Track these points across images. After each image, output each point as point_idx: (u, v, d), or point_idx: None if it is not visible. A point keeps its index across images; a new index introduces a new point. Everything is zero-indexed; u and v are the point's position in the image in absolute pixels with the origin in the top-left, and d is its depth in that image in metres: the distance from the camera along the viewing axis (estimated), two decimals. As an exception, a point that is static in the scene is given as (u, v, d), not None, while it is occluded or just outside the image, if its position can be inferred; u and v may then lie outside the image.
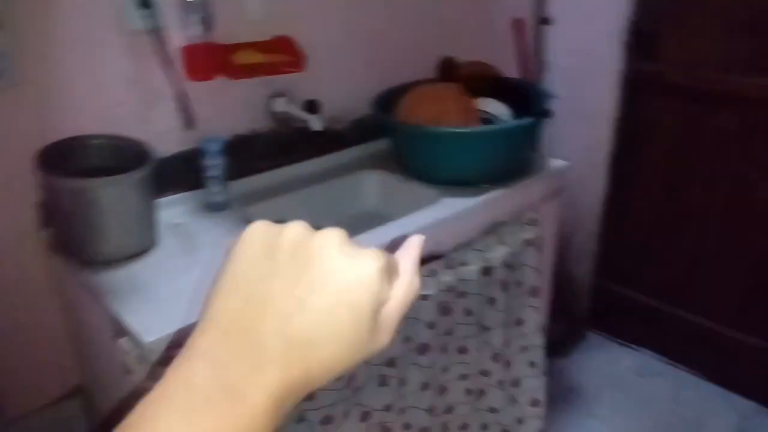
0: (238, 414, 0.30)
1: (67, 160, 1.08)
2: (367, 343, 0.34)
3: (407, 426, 1.39)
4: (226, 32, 1.26)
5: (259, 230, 0.36)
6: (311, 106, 1.40)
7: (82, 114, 1.14)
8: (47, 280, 1.19)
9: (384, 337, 0.35)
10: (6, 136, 1.07)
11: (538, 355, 1.59)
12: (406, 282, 0.37)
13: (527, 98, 1.53)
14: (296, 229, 0.36)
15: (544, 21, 1.91)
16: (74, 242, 1.08)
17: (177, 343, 0.92)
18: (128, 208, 1.06)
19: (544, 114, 1.42)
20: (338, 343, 0.33)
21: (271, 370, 0.31)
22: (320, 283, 0.33)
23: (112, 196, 1.03)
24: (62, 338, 1.25)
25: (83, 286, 1.09)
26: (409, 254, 0.39)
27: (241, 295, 0.33)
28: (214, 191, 1.30)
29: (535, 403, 1.63)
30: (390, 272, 0.36)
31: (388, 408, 1.31)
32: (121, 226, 1.07)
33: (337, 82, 1.54)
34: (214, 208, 1.31)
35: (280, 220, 0.38)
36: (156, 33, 1.15)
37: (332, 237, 0.35)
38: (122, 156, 1.12)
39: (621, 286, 2.22)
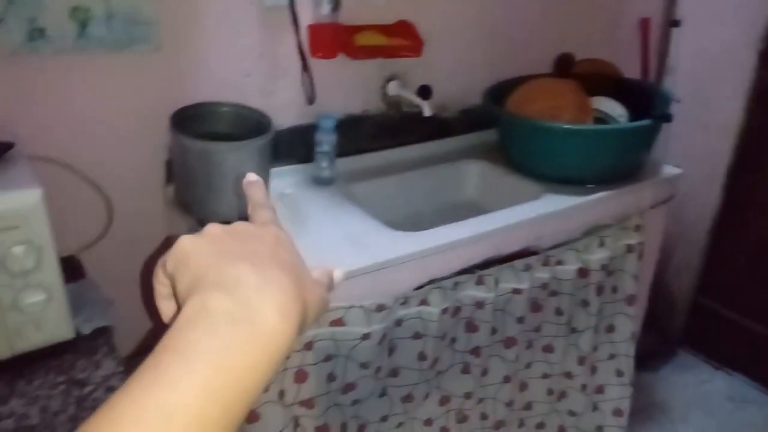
0: (258, 327, 0.34)
1: (196, 123, 1.16)
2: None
3: (484, 416, 1.40)
4: (351, 14, 1.30)
5: (188, 237, 0.40)
6: (424, 92, 1.42)
7: (213, 82, 1.22)
8: (166, 233, 1.29)
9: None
10: (145, 97, 1.16)
11: (627, 364, 1.54)
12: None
13: (646, 100, 1.48)
14: (215, 225, 0.42)
15: (673, 23, 1.83)
16: (194, 200, 1.16)
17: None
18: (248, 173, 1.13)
19: (664, 118, 1.37)
20: (301, 268, 0.40)
21: (271, 286, 0.36)
22: (255, 238, 0.41)
23: (234, 161, 1.10)
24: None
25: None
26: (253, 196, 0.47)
27: (208, 259, 0.38)
28: (323, 166, 1.35)
29: (617, 413, 1.59)
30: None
31: (467, 396, 1.33)
32: (238, 189, 1.14)
33: (450, 71, 1.55)
34: (321, 182, 1.36)
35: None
36: (290, 10, 1.20)
37: (239, 222, 0.43)
38: (245, 124, 1.19)
39: (721, 306, 2.11)
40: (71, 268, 1.06)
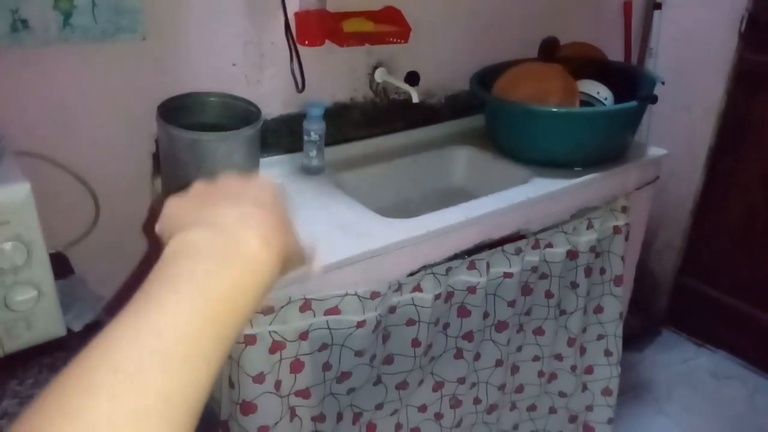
0: (241, 252, 0.36)
1: (183, 114, 1.14)
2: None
3: (477, 400, 1.41)
4: (338, 0, 1.29)
5: (174, 198, 0.43)
6: (412, 79, 1.41)
7: (200, 71, 1.20)
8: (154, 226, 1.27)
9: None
10: (132, 88, 1.14)
11: (615, 344, 1.57)
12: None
13: (630, 82, 1.49)
14: (200, 182, 0.44)
15: (655, 5, 1.84)
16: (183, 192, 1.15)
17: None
18: (236, 164, 1.12)
19: (650, 99, 1.38)
20: (282, 211, 0.41)
21: (250, 218, 0.38)
22: (240, 187, 0.43)
23: (224, 151, 1.09)
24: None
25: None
26: None
27: (195, 205, 0.40)
28: (312, 155, 1.34)
29: (606, 392, 1.62)
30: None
31: (461, 381, 1.34)
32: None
33: (436, 57, 1.55)
34: (310, 171, 1.35)
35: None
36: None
37: (226, 175, 0.45)
38: (233, 114, 1.18)
39: (703, 284, 2.15)
40: (59, 265, 1.04)
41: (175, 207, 0.41)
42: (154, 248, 1.27)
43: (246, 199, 0.40)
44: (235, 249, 0.36)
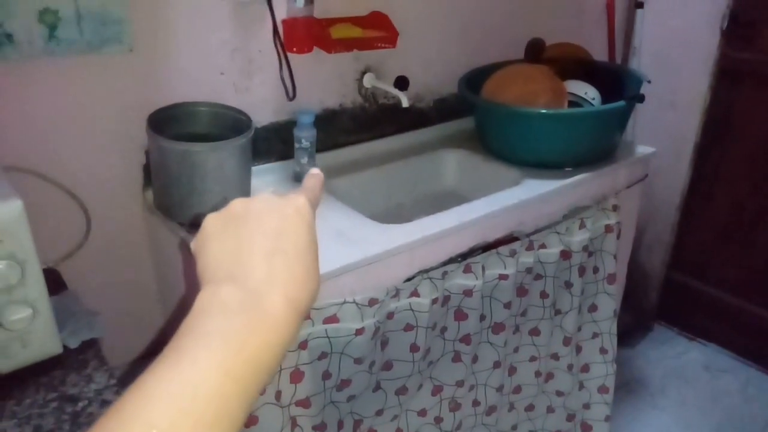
0: (268, 313, 0.37)
1: (173, 124, 1.13)
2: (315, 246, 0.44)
3: (476, 403, 1.41)
4: (324, 7, 1.28)
5: (212, 216, 0.43)
6: (401, 83, 1.41)
7: (188, 81, 1.19)
8: (146, 239, 1.26)
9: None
10: (120, 100, 1.13)
11: (610, 342, 1.58)
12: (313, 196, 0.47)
13: (616, 82, 1.50)
14: (238, 201, 0.44)
15: (637, 4, 1.86)
16: (175, 203, 1.13)
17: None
18: (228, 174, 1.11)
19: (637, 98, 1.39)
20: (310, 251, 0.42)
21: (278, 277, 0.39)
22: (274, 218, 0.42)
23: (215, 161, 1.08)
24: (156, 296, 1.32)
25: (179, 246, 1.14)
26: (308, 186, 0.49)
27: (224, 248, 0.41)
28: (303, 162, 1.33)
29: (603, 389, 1.63)
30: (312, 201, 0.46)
31: (459, 384, 1.33)
32: (220, 190, 1.11)
33: (424, 61, 1.55)
34: (301, 178, 1.34)
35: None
36: (263, 4, 1.18)
37: (263, 194, 0.45)
38: (223, 123, 1.17)
39: (693, 279, 2.17)
40: (51, 280, 1.02)
41: (209, 229, 0.42)
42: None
43: (279, 245, 0.40)
44: (262, 310, 0.37)
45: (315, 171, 0.51)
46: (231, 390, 0.33)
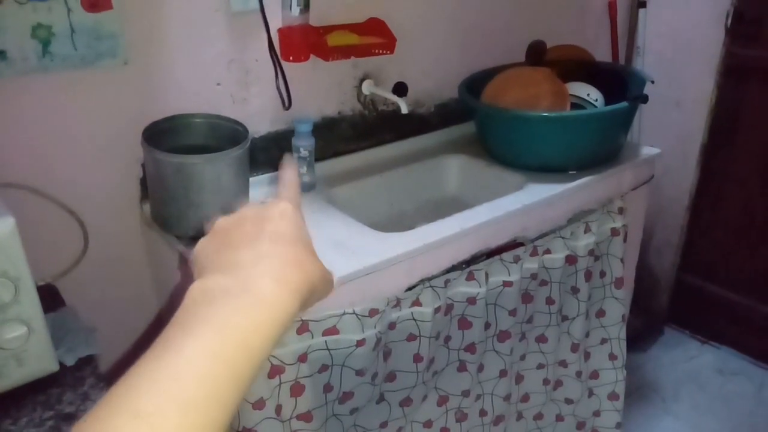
0: (256, 295, 0.37)
1: (169, 137, 1.12)
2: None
3: (483, 412, 1.39)
4: (320, 14, 1.27)
5: (202, 241, 0.44)
6: (400, 89, 1.40)
7: (184, 93, 1.18)
8: (144, 252, 1.25)
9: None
10: (116, 113, 1.12)
11: (620, 347, 1.55)
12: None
13: (619, 82, 1.48)
14: (221, 219, 0.45)
15: (640, 4, 1.84)
16: (172, 216, 1.12)
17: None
18: (225, 185, 1.10)
19: (641, 99, 1.37)
20: (300, 240, 0.43)
21: (264, 259, 0.39)
22: (258, 220, 0.43)
23: (212, 173, 1.07)
24: (155, 310, 1.32)
25: (178, 259, 1.13)
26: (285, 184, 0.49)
27: (212, 249, 0.42)
28: (302, 172, 1.32)
29: (613, 396, 1.60)
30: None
31: (465, 394, 1.31)
32: (217, 202, 1.10)
33: (423, 66, 1.54)
34: (301, 188, 1.33)
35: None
36: (257, 14, 1.17)
37: (245, 206, 0.45)
38: (220, 135, 1.16)
39: (703, 281, 2.13)
40: (49, 297, 1.02)
41: (198, 249, 0.43)
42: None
43: (264, 236, 0.41)
44: (249, 292, 0.37)
45: (287, 161, 0.51)
46: (220, 372, 0.33)
